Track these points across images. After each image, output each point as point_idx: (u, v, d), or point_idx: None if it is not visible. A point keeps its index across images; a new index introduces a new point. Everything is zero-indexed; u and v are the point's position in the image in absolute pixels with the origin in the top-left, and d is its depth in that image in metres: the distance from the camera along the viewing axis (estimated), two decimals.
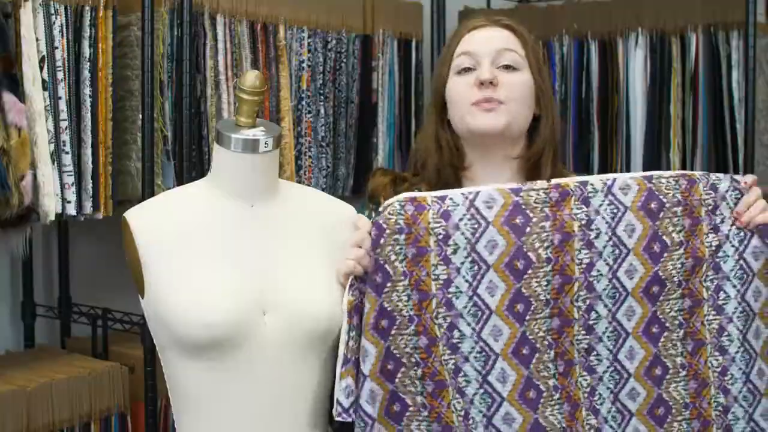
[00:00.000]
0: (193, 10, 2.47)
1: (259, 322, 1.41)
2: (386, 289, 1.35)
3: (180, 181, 2.43)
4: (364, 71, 3.04)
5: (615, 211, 1.39)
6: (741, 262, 1.44)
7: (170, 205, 1.49)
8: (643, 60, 3.22)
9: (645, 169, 3.24)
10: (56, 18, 2.22)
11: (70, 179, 2.24)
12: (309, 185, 2.75)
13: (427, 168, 1.60)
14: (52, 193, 2.18)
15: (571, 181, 1.40)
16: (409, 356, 1.37)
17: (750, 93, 2.74)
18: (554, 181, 1.41)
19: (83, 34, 2.29)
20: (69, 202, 2.24)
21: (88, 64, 2.30)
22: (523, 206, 1.37)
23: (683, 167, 3.21)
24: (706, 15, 3.13)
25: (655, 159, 3.22)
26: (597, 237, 1.39)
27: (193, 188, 1.53)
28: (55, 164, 2.20)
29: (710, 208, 1.43)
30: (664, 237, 1.41)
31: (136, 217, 1.45)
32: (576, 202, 1.39)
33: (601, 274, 1.39)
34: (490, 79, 1.51)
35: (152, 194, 2.30)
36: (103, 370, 2.39)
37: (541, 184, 1.40)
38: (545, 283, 1.37)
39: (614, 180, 1.40)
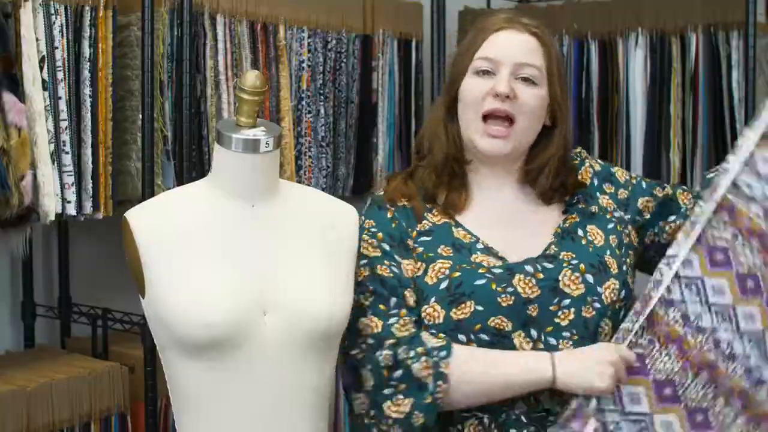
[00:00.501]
0: (193, 10, 2.47)
1: (259, 322, 1.41)
2: (648, 366, 1.48)
3: (180, 181, 2.43)
4: (364, 71, 3.04)
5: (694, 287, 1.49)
6: None
7: (170, 205, 1.49)
8: (643, 60, 3.22)
9: (645, 169, 3.24)
10: (56, 18, 2.22)
11: (70, 179, 2.24)
12: (309, 185, 2.75)
13: (434, 154, 1.60)
14: (52, 193, 2.18)
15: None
16: (705, 396, 1.48)
17: (750, 93, 2.74)
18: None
19: (83, 34, 2.29)
20: (69, 202, 2.24)
21: (88, 64, 2.30)
22: None
23: (683, 167, 3.21)
24: (706, 15, 3.13)
25: (655, 159, 3.22)
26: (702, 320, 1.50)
27: (193, 188, 1.53)
28: (55, 164, 2.20)
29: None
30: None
31: (137, 217, 1.45)
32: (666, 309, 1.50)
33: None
34: (507, 93, 1.51)
35: (152, 194, 2.30)
36: (103, 370, 2.39)
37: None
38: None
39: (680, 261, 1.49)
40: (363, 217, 1.59)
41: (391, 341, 1.47)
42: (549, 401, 1.48)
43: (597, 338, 1.50)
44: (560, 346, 1.48)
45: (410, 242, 1.55)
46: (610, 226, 1.59)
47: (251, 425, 1.43)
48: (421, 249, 1.54)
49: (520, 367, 1.45)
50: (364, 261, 1.55)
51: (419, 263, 1.53)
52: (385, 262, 1.53)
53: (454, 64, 1.62)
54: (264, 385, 1.42)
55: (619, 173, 1.67)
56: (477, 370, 1.45)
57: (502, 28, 1.57)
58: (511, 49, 1.55)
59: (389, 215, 1.57)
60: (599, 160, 1.70)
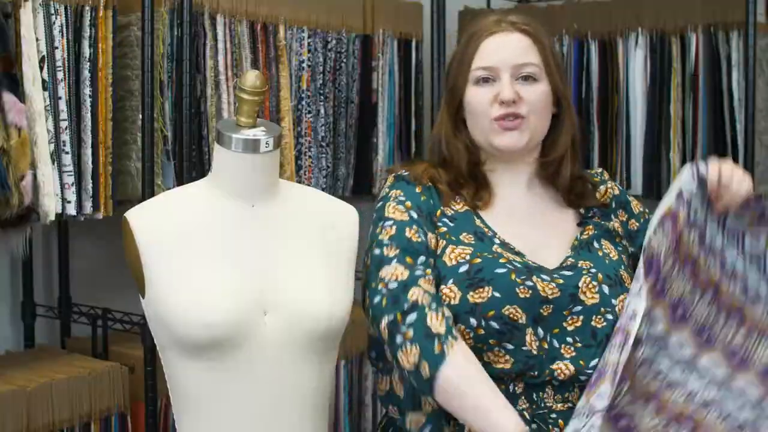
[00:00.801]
0: (193, 10, 2.47)
1: (259, 322, 1.41)
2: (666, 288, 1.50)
3: (180, 181, 2.43)
4: (364, 71, 3.04)
5: None
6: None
7: (170, 205, 1.50)
8: (643, 60, 3.22)
9: (645, 170, 3.24)
10: (56, 18, 2.22)
11: (70, 179, 2.24)
12: (309, 185, 2.75)
13: (453, 163, 1.61)
14: (52, 193, 2.17)
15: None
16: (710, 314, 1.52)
17: (750, 93, 2.74)
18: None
19: (83, 34, 2.29)
20: (69, 202, 2.24)
21: (88, 64, 2.30)
22: None
23: (683, 167, 3.21)
24: (706, 15, 3.13)
25: (655, 159, 3.22)
26: None
27: (193, 188, 1.53)
28: (55, 164, 2.20)
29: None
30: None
31: (137, 216, 1.45)
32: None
33: None
34: (512, 99, 1.52)
35: (152, 194, 2.30)
36: (103, 370, 2.39)
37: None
38: None
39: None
40: (388, 189, 1.59)
41: (416, 290, 1.43)
42: (551, 400, 1.48)
43: (604, 349, 1.49)
44: (562, 351, 1.48)
45: (434, 219, 1.55)
46: (619, 248, 1.61)
47: (251, 425, 1.43)
48: (444, 229, 1.54)
49: (498, 406, 1.38)
50: (390, 221, 1.52)
51: (441, 241, 1.53)
52: (414, 227, 1.51)
53: (452, 74, 1.62)
54: (264, 385, 1.42)
55: (634, 203, 1.70)
56: (470, 370, 1.41)
57: (493, 32, 1.57)
58: (506, 52, 1.55)
59: (418, 190, 1.57)
60: (618, 185, 1.72)
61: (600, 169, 1.73)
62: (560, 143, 1.60)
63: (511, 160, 1.60)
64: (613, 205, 1.67)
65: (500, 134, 1.54)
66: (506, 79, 1.54)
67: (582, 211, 1.63)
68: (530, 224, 1.59)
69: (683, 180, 1.51)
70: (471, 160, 1.60)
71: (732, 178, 1.50)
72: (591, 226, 1.61)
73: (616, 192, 1.69)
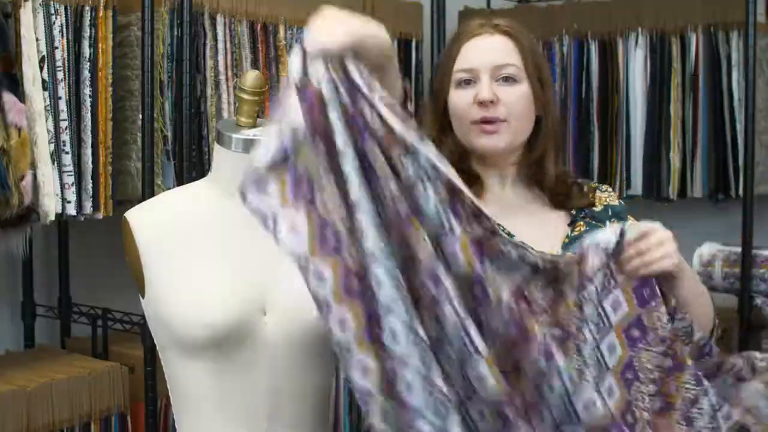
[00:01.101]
0: (193, 10, 2.47)
1: (260, 322, 1.41)
2: None
3: (180, 181, 2.43)
4: None
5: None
6: (599, 309, 1.40)
7: (171, 205, 1.50)
8: (643, 60, 3.22)
9: (645, 170, 3.24)
10: (56, 18, 2.22)
11: (70, 179, 2.24)
12: None
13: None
14: (52, 193, 2.18)
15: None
16: (649, 372, 1.38)
17: (750, 93, 2.74)
18: None
19: (83, 34, 2.30)
20: (69, 202, 2.24)
21: (88, 64, 2.30)
22: None
23: (683, 167, 3.22)
24: (706, 15, 3.13)
25: (655, 159, 3.22)
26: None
27: (193, 188, 1.53)
28: (55, 164, 2.20)
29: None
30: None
31: (137, 216, 1.45)
32: None
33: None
34: (490, 99, 1.53)
35: (152, 194, 2.30)
36: (103, 370, 2.39)
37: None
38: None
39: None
40: None
41: None
42: None
43: None
44: None
45: None
46: None
47: (251, 425, 1.43)
48: None
49: None
50: None
51: None
52: None
53: (436, 77, 1.63)
54: (264, 385, 1.42)
55: (631, 222, 1.67)
56: None
57: (476, 35, 1.58)
58: (486, 54, 1.56)
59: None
60: (621, 202, 1.71)
61: (607, 186, 1.73)
62: (538, 145, 1.60)
63: (494, 162, 1.60)
64: (609, 213, 1.65)
65: (480, 136, 1.55)
66: (485, 80, 1.54)
67: (573, 212, 1.64)
68: (521, 222, 1.59)
69: (606, 234, 1.43)
70: (457, 160, 1.60)
71: (652, 250, 1.40)
72: (582, 224, 1.61)
73: (614, 203, 1.67)
